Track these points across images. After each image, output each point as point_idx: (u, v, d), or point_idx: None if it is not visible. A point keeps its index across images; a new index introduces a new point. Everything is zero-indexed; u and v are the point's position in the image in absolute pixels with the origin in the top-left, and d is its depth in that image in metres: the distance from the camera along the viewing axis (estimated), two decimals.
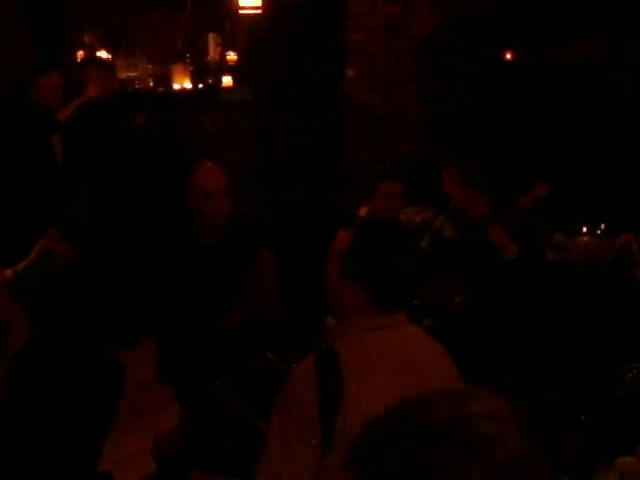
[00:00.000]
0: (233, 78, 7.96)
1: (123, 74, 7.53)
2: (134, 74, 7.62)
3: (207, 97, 7.77)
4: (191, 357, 3.56)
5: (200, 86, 7.85)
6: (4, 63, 6.28)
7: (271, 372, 2.91)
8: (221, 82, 7.91)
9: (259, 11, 5.55)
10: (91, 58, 6.82)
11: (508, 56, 8.24)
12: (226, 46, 8.06)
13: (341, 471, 1.87)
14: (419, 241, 4.62)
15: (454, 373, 2.41)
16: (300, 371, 2.24)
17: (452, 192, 4.21)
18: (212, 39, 7.94)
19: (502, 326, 3.87)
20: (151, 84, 7.67)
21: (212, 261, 3.62)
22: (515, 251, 3.96)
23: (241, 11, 5.49)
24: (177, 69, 7.67)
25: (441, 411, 1.25)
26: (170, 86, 7.65)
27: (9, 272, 3.00)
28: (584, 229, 5.07)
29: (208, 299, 3.56)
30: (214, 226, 3.64)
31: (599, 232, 5.07)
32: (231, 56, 8.02)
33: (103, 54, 7.17)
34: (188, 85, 7.73)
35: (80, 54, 7.12)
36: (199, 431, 2.96)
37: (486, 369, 3.49)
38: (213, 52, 8.01)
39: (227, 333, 3.55)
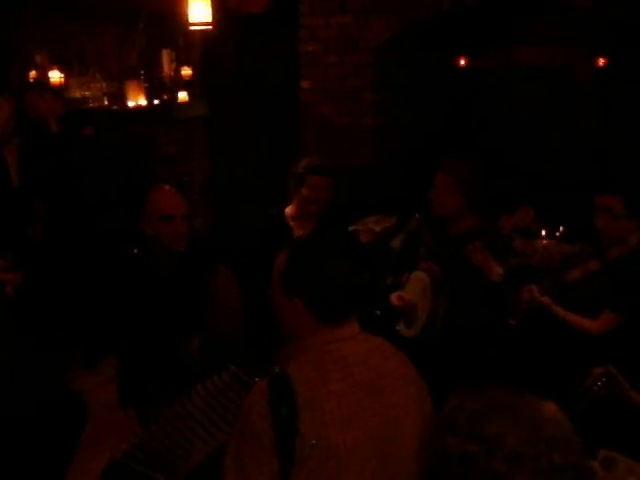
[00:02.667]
0: (189, 93, 7.92)
1: (77, 93, 7.44)
2: (88, 93, 7.53)
3: (163, 114, 7.72)
4: (152, 381, 3.50)
5: (155, 102, 7.80)
6: None
7: (234, 383, 2.90)
8: (176, 98, 7.86)
9: (210, 26, 5.51)
10: (33, 84, 6.74)
11: (462, 62, 8.31)
12: (180, 61, 8.02)
13: None
14: (387, 245, 4.61)
15: (418, 380, 2.39)
16: (253, 399, 2.19)
17: (446, 199, 4.10)
18: (166, 55, 7.90)
19: (482, 341, 3.88)
20: (105, 102, 7.58)
21: (169, 285, 3.56)
22: (500, 273, 3.94)
23: (192, 27, 5.44)
24: (131, 86, 7.60)
25: None
26: (125, 103, 7.58)
27: None
28: (543, 232, 5.08)
29: (166, 324, 3.50)
30: (172, 251, 3.57)
31: (558, 235, 5.08)
32: (186, 71, 7.98)
33: (55, 74, 7.07)
34: (143, 102, 7.67)
35: (32, 74, 7.02)
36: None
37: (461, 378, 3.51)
38: (167, 68, 7.97)
39: (189, 356, 3.49)
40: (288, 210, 4.62)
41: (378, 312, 4.38)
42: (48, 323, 4.93)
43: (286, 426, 2.09)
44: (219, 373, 2.79)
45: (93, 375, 4.08)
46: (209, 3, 5.40)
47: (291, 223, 4.59)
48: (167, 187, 3.69)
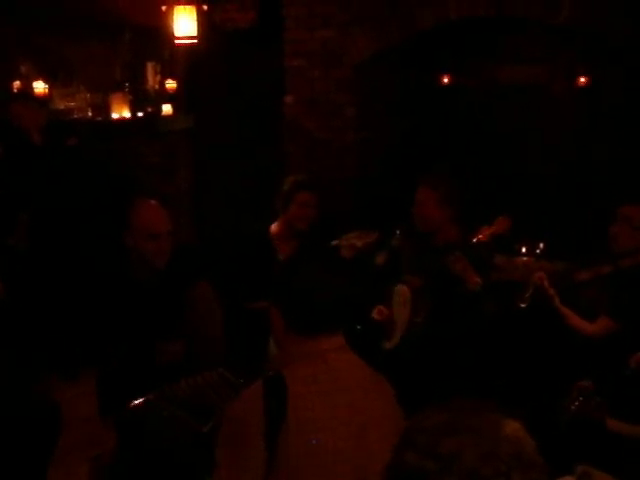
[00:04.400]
0: (173, 106, 7.93)
1: (61, 104, 7.45)
2: (72, 104, 7.53)
3: (147, 126, 7.72)
4: (132, 390, 3.49)
5: (139, 115, 7.81)
6: None
7: (223, 385, 2.95)
8: (161, 111, 7.87)
9: (195, 41, 5.53)
10: (17, 94, 6.74)
11: (445, 80, 8.36)
12: (165, 74, 8.04)
13: None
14: (369, 261, 4.64)
15: (391, 399, 2.44)
16: (248, 395, 2.30)
17: (430, 214, 4.17)
18: (151, 67, 7.92)
19: (461, 351, 3.91)
20: (90, 113, 7.59)
21: (148, 298, 3.56)
22: (479, 282, 3.99)
23: (177, 41, 5.46)
24: (116, 98, 7.61)
25: None
26: (109, 115, 7.59)
27: None
28: (523, 249, 5.12)
29: (146, 335, 3.50)
30: (153, 266, 3.58)
31: (538, 252, 5.12)
32: (170, 84, 7.99)
33: (40, 84, 7.08)
34: (127, 114, 7.68)
35: (16, 84, 7.03)
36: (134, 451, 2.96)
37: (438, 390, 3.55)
38: (152, 80, 7.99)
39: (168, 366, 3.49)
40: (273, 228, 4.66)
41: (359, 327, 4.41)
42: (26, 334, 4.92)
43: (275, 416, 2.19)
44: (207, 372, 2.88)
45: (73, 386, 4.07)
46: (195, 17, 5.42)
47: (275, 241, 4.62)
48: (153, 202, 3.67)
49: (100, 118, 7.57)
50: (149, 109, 7.87)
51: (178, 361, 3.54)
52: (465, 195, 4.22)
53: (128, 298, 3.56)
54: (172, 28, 5.58)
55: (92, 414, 3.64)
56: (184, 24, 5.38)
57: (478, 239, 4.17)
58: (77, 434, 2.90)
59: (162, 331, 3.54)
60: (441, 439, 1.54)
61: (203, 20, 6.07)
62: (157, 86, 7.97)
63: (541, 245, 5.12)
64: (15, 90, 6.94)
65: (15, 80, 7.05)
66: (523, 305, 4.08)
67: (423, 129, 7.54)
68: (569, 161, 7.69)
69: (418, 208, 4.20)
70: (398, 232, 4.57)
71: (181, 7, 5.44)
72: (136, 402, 3.11)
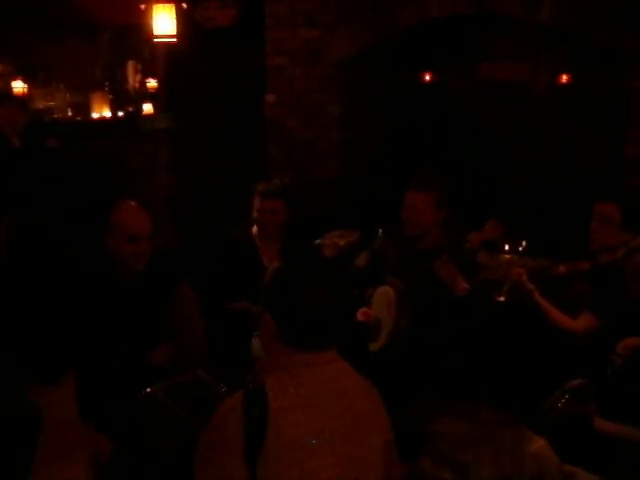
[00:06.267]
0: (154, 106, 7.88)
1: (40, 104, 7.39)
2: (52, 103, 7.48)
3: (127, 126, 7.68)
4: (112, 395, 3.45)
5: (120, 114, 7.76)
6: None
7: (201, 387, 2.92)
8: (141, 110, 7.82)
9: (174, 39, 5.49)
10: None
11: (427, 78, 8.35)
12: (146, 73, 7.99)
13: None
14: (351, 261, 4.62)
15: (381, 408, 2.41)
16: (228, 408, 2.25)
17: (420, 218, 4.09)
18: (131, 66, 7.88)
19: (445, 355, 3.88)
20: (70, 113, 7.54)
21: (130, 300, 3.52)
22: (465, 287, 3.96)
23: (155, 39, 5.41)
24: (96, 97, 7.57)
25: None
26: (89, 115, 7.53)
27: None
28: (506, 247, 5.11)
29: (128, 338, 3.46)
30: (132, 268, 3.54)
31: (521, 249, 5.11)
32: (151, 83, 7.96)
33: (19, 84, 7.02)
34: (108, 114, 7.63)
35: None
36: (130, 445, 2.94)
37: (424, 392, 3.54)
38: (132, 79, 7.94)
39: (155, 369, 3.46)
40: (254, 230, 4.66)
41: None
42: (6, 336, 4.87)
43: (256, 439, 2.13)
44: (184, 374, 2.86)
45: (56, 389, 4.02)
46: (174, 16, 5.38)
47: (257, 243, 4.62)
48: (133, 204, 3.63)
49: (80, 118, 7.51)
50: (130, 108, 7.82)
51: (165, 366, 3.50)
52: (454, 198, 4.18)
53: (109, 300, 3.53)
54: (151, 27, 5.53)
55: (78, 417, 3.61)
56: (163, 22, 5.35)
57: (468, 246, 4.15)
58: (70, 435, 2.86)
59: (143, 333, 3.51)
60: (459, 449, 1.52)
61: (183, 18, 6.03)
62: (138, 85, 7.93)
63: (524, 243, 5.11)
64: None
65: None
66: (501, 299, 4.07)
67: (407, 128, 7.52)
68: (551, 158, 7.71)
69: (408, 212, 4.12)
70: (380, 232, 4.54)
71: (160, 5, 5.41)
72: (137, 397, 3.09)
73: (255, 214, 4.60)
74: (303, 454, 2.17)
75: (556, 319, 4.03)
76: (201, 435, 2.29)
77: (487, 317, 4.03)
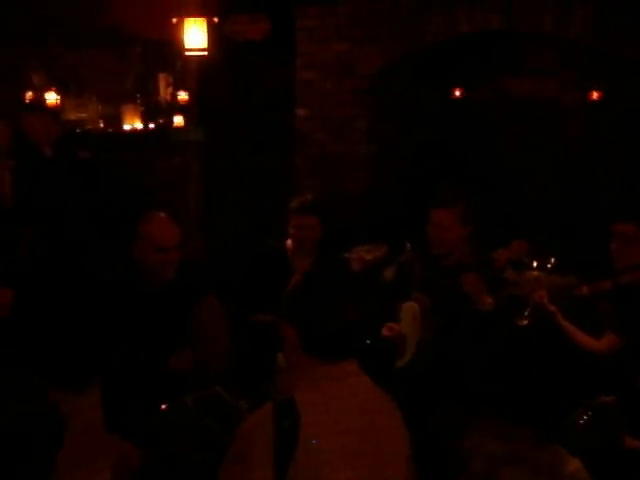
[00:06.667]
0: (184, 118, 7.94)
1: (72, 115, 7.46)
2: (84, 115, 7.56)
3: (158, 138, 7.73)
4: (136, 405, 3.47)
5: (151, 126, 7.82)
6: None
7: (221, 403, 2.93)
8: (172, 122, 7.88)
9: (205, 52, 5.53)
10: (29, 105, 6.76)
11: (457, 93, 8.34)
12: (177, 86, 8.05)
13: None
14: (378, 275, 4.61)
15: (401, 424, 2.40)
16: (257, 420, 2.25)
17: (446, 235, 4.06)
18: (162, 79, 7.93)
19: (468, 369, 3.87)
20: (101, 125, 7.61)
21: (156, 309, 3.54)
22: (491, 302, 3.94)
23: (187, 52, 5.45)
24: (127, 109, 7.63)
25: None
26: (120, 126, 7.60)
27: None
28: (534, 264, 5.09)
29: (152, 347, 3.48)
30: (160, 278, 3.57)
31: (549, 266, 5.09)
32: (182, 96, 8.01)
33: (52, 95, 7.10)
34: (139, 125, 7.70)
35: (28, 95, 7.05)
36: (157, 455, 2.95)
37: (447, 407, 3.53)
38: (164, 92, 8.00)
39: (174, 377, 3.47)
40: (288, 243, 4.66)
41: (368, 341, 4.38)
42: (32, 345, 4.91)
43: (285, 448, 2.14)
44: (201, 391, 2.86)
45: (82, 398, 4.05)
46: (205, 30, 5.42)
47: (291, 256, 4.62)
48: (163, 215, 3.67)
49: (111, 129, 7.58)
50: (160, 121, 7.88)
51: (185, 371, 3.52)
52: (479, 214, 4.16)
53: (135, 309, 3.56)
54: (182, 40, 5.57)
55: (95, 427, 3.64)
56: (194, 36, 5.38)
57: (494, 261, 4.13)
58: (95, 441, 2.88)
59: (168, 343, 3.53)
60: (496, 467, 1.50)
61: (214, 32, 6.06)
62: (169, 97, 7.98)
63: (552, 260, 5.09)
64: (27, 101, 6.96)
65: (27, 91, 7.07)
66: (524, 322, 4.05)
67: (435, 142, 7.51)
68: (580, 174, 7.66)
69: (434, 229, 4.10)
70: (408, 246, 4.53)
71: (191, 19, 5.44)
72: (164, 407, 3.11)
73: (292, 230, 4.58)
74: (330, 468, 2.17)
75: (579, 340, 4.00)
76: (229, 447, 2.30)
77: (511, 339, 4.01)
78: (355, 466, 2.21)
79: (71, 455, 2.71)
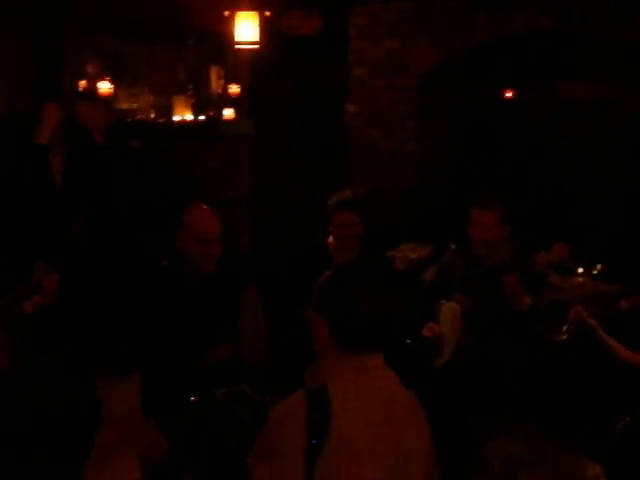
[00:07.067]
0: (235, 111, 7.96)
1: (125, 105, 7.52)
2: (135, 105, 7.61)
3: (208, 129, 7.77)
4: (174, 394, 3.50)
5: (201, 118, 7.85)
6: (5, 93, 6.32)
7: (245, 399, 2.95)
8: (222, 115, 7.91)
9: (256, 46, 5.53)
10: (82, 93, 6.82)
11: (509, 94, 8.27)
12: (229, 79, 8.07)
13: None
14: (420, 275, 4.60)
15: (424, 419, 2.42)
16: (290, 406, 2.30)
17: (488, 236, 4.09)
18: (214, 72, 7.96)
19: (506, 370, 3.85)
20: (152, 115, 7.66)
21: (196, 301, 3.58)
22: (529, 302, 3.93)
23: (237, 45, 5.46)
24: (179, 101, 7.67)
25: None
26: (171, 117, 7.65)
27: None
28: (580, 270, 5.03)
29: (191, 339, 3.51)
30: (201, 270, 3.60)
31: (595, 273, 5.03)
32: (233, 89, 8.03)
33: (105, 84, 7.16)
34: (189, 117, 7.73)
35: (82, 84, 7.11)
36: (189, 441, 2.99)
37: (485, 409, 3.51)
38: (215, 84, 8.03)
39: (212, 369, 3.50)
40: (330, 240, 4.66)
41: (408, 341, 4.38)
42: (78, 328, 4.98)
43: (318, 431, 2.18)
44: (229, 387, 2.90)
45: (119, 384, 4.09)
46: (257, 23, 5.43)
47: (332, 252, 4.62)
48: (205, 207, 3.71)
49: (162, 120, 7.63)
50: (211, 113, 7.91)
51: (224, 363, 3.54)
52: (520, 215, 4.15)
53: (176, 299, 3.59)
54: (234, 33, 5.58)
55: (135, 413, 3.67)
56: (246, 30, 5.39)
57: (536, 268, 4.10)
58: (125, 430, 2.92)
59: (209, 335, 3.56)
60: (516, 470, 1.49)
61: (266, 26, 6.08)
62: (220, 90, 8.01)
63: (598, 266, 5.03)
64: (80, 89, 7.03)
65: (81, 79, 7.13)
66: (563, 338, 4.01)
67: (484, 143, 7.45)
68: (633, 180, 7.54)
69: (475, 230, 4.12)
70: (452, 246, 4.52)
71: (243, 13, 5.45)
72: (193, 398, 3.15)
73: (332, 227, 4.59)
74: (357, 458, 2.20)
75: (619, 354, 3.94)
76: (258, 436, 2.33)
77: (550, 354, 3.97)
78: (377, 459, 2.23)
79: (101, 441, 2.73)
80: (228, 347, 3.58)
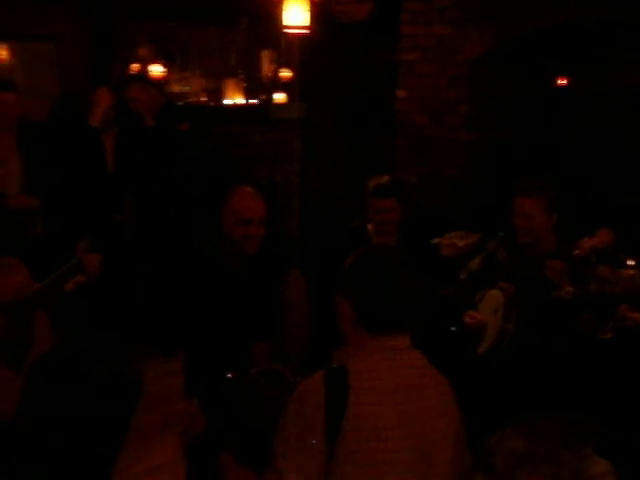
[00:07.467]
0: (287, 95, 7.98)
1: (176, 88, 7.59)
2: (187, 88, 7.68)
3: (259, 113, 7.80)
4: (217, 375, 3.54)
5: (252, 102, 7.88)
6: (59, 76, 6.41)
7: (279, 379, 3.00)
8: (272, 99, 7.93)
9: (306, 30, 5.50)
10: (134, 76, 6.89)
11: (562, 82, 8.14)
12: (280, 63, 8.09)
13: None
14: (466, 263, 4.59)
15: (453, 402, 2.43)
16: (309, 385, 2.33)
17: (533, 224, 4.06)
18: (265, 55, 7.99)
19: (547, 359, 3.83)
20: (203, 98, 7.72)
21: (238, 283, 3.60)
22: (571, 291, 3.89)
23: (287, 30, 5.45)
24: (230, 84, 7.72)
25: None
26: (221, 101, 7.70)
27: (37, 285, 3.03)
28: (629, 262, 4.95)
29: (233, 322, 3.54)
30: (243, 252, 3.62)
31: None
32: (285, 73, 8.05)
33: (157, 67, 7.23)
34: (240, 100, 7.77)
35: (134, 67, 7.19)
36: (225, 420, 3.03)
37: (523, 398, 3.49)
38: (267, 69, 8.06)
39: (256, 361, 3.52)
40: (370, 226, 4.68)
41: (453, 328, 4.37)
42: (122, 307, 5.04)
43: (336, 412, 2.21)
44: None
45: (163, 365, 4.13)
46: (307, 8, 5.41)
47: (373, 238, 4.63)
48: (249, 189, 3.73)
49: (213, 103, 7.68)
50: (262, 97, 7.94)
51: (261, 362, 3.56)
52: (565, 203, 4.10)
53: (218, 281, 3.62)
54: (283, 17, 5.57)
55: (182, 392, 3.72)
56: (295, 14, 5.37)
57: (577, 253, 4.05)
58: (166, 410, 2.95)
59: (250, 318, 3.58)
60: (515, 466, 1.49)
61: (316, 10, 6.06)
62: (271, 74, 8.03)
63: None
64: (133, 72, 7.11)
65: (134, 62, 7.21)
66: (608, 336, 3.95)
67: (535, 132, 7.36)
68: None
69: (519, 219, 4.08)
70: (501, 235, 4.49)
71: None
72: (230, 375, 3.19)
73: (371, 213, 4.60)
74: (376, 436, 2.22)
75: None
76: (283, 412, 2.37)
77: (593, 350, 3.92)
78: (400, 436, 2.25)
79: (149, 420, 2.77)
80: (265, 347, 3.59)
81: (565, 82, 8.18)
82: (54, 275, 3.22)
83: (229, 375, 3.20)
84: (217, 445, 2.87)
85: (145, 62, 7.29)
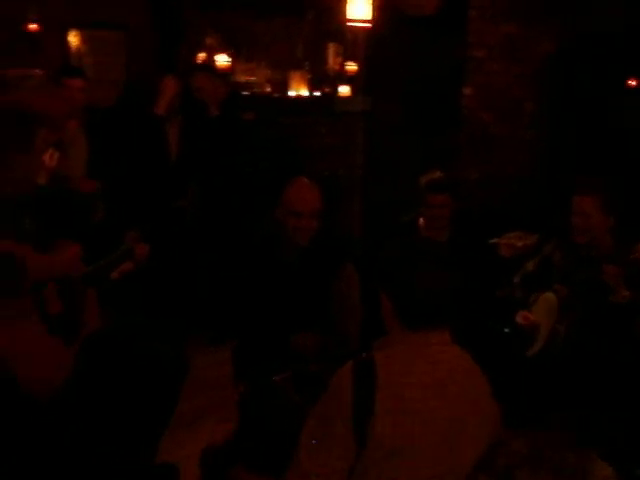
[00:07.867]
0: (351, 88, 7.97)
1: (241, 78, 7.64)
2: (252, 79, 7.73)
3: (323, 105, 7.80)
4: (265, 364, 3.56)
5: (316, 94, 7.89)
6: (126, 64, 6.51)
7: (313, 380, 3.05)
8: (338, 92, 7.92)
9: (368, 24, 5.48)
10: (200, 65, 6.95)
11: (632, 83, 7.97)
12: (346, 56, 8.08)
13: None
14: (522, 264, 4.54)
15: (490, 399, 2.40)
16: (338, 376, 2.33)
17: (591, 224, 4.01)
18: (332, 48, 7.98)
19: (599, 362, 3.77)
20: (268, 89, 7.76)
21: (290, 276, 3.62)
22: (627, 295, 3.82)
23: (349, 23, 5.42)
24: (295, 76, 7.74)
25: None
26: (286, 92, 7.72)
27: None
28: None
29: (283, 313, 3.56)
30: (295, 244, 3.64)
31: None
32: (350, 66, 8.03)
33: (223, 57, 7.28)
34: (305, 92, 7.79)
35: (201, 56, 7.26)
36: (249, 425, 3.05)
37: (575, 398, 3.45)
38: (332, 61, 8.05)
39: (302, 351, 3.54)
40: (421, 221, 4.67)
41: (507, 330, 4.33)
42: (183, 294, 5.11)
43: (364, 405, 2.21)
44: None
45: (218, 352, 4.19)
46: (370, 1, 5.37)
47: (423, 232, 4.62)
48: (305, 181, 3.73)
49: (278, 94, 7.71)
50: (326, 89, 7.94)
51: (309, 354, 3.57)
52: (623, 204, 4.02)
53: (272, 272, 3.65)
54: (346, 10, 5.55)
55: (224, 380, 3.76)
56: (357, 6, 5.34)
57: (634, 257, 3.97)
58: (218, 396, 3.01)
59: (300, 310, 3.59)
60: (515, 467, 1.48)
61: (381, 4, 6.03)
62: (337, 67, 8.03)
63: None
64: (199, 62, 7.18)
65: (200, 52, 7.28)
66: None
67: (602, 133, 7.23)
68: None
69: (576, 217, 4.03)
70: (556, 239, 4.44)
71: None
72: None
73: (423, 207, 4.60)
74: (402, 431, 2.21)
75: None
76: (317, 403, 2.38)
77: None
78: (432, 432, 2.24)
79: (196, 405, 2.81)
80: (315, 338, 3.60)
81: (635, 83, 8.00)
82: (105, 260, 3.27)
83: (276, 378, 3.23)
84: (233, 455, 2.89)
85: (212, 51, 7.35)
